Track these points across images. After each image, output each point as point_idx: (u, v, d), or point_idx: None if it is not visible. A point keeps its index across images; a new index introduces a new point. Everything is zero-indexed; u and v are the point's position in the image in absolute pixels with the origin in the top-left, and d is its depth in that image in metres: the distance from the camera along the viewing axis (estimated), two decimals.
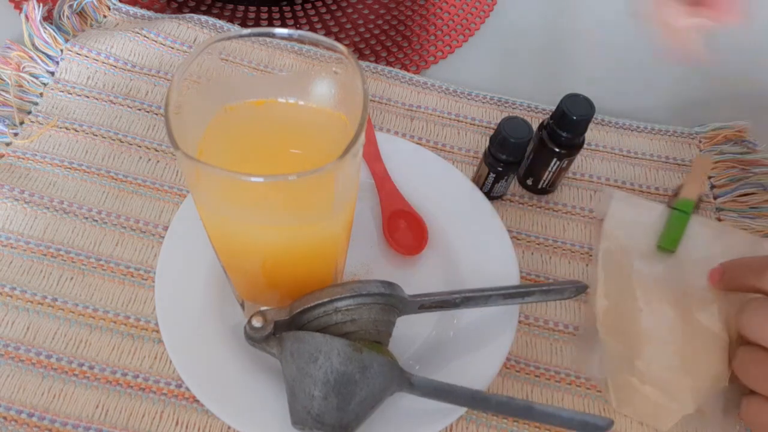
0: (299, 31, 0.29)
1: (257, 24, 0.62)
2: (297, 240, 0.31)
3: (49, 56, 0.54)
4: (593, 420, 0.35)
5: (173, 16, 0.59)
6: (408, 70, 0.60)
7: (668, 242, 0.47)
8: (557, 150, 0.47)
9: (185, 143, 0.25)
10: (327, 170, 0.25)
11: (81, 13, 0.58)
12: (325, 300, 0.34)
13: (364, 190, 0.49)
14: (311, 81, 0.32)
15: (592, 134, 0.56)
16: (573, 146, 0.48)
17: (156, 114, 0.52)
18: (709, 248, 0.47)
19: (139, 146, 0.50)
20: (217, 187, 0.28)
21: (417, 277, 0.45)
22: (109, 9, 0.60)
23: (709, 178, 0.55)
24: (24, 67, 0.52)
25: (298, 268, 0.35)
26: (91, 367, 0.40)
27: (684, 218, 0.48)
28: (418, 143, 0.52)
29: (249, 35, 0.30)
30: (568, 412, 0.35)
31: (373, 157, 0.49)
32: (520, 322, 0.45)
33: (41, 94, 0.52)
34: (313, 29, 0.63)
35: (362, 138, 0.27)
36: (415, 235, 0.46)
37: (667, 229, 0.48)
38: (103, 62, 0.54)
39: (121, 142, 0.50)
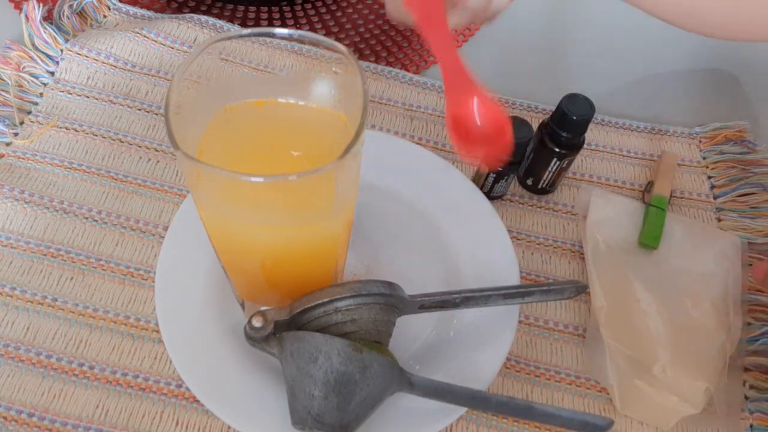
0: (299, 31, 0.29)
1: (257, 24, 0.62)
2: (297, 240, 0.31)
3: (49, 56, 0.54)
4: (593, 420, 0.35)
5: (173, 16, 0.59)
6: (408, 70, 0.60)
7: (650, 239, 0.48)
8: (557, 150, 0.47)
9: (185, 143, 0.25)
10: (327, 170, 0.25)
11: (81, 13, 0.58)
12: (325, 300, 0.34)
13: (364, 190, 0.49)
14: (311, 81, 0.32)
15: (592, 134, 0.56)
16: (573, 146, 0.48)
17: (156, 114, 0.52)
18: (686, 243, 0.48)
19: (139, 146, 0.50)
20: (217, 187, 0.28)
21: (417, 277, 0.45)
22: (109, 9, 0.60)
23: (709, 178, 0.55)
24: (24, 67, 0.52)
25: (298, 268, 0.35)
26: (91, 367, 0.40)
27: (661, 215, 0.49)
28: (418, 143, 0.52)
29: (249, 35, 0.30)
30: (569, 412, 0.35)
31: (439, 33, 0.37)
32: (520, 322, 0.45)
33: (41, 94, 0.52)
34: (313, 29, 0.63)
35: (362, 138, 0.27)
36: (492, 132, 0.35)
37: (646, 226, 0.49)
38: (103, 62, 0.54)
39: (121, 142, 0.50)
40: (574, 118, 0.45)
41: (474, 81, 0.35)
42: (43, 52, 0.53)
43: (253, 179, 0.24)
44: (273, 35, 0.29)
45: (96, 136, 0.50)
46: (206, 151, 0.30)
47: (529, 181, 0.51)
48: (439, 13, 0.37)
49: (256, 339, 0.35)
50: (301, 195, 0.28)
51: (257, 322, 0.34)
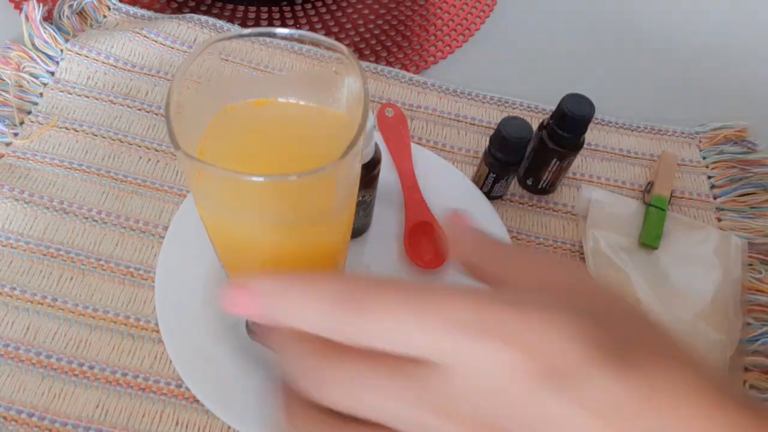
0: (299, 31, 0.29)
1: (257, 24, 0.62)
2: (297, 239, 0.31)
3: (49, 56, 0.53)
4: None
5: (173, 16, 0.59)
6: (408, 70, 0.60)
7: (651, 239, 0.48)
8: (557, 150, 0.47)
9: (186, 143, 0.25)
10: (328, 170, 0.25)
11: (81, 13, 0.58)
12: None
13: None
14: (311, 81, 0.32)
15: (592, 134, 0.56)
16: (573, 146, 0.48)
17: (156, 114, 0.52)
18: (686, 243, 0.48)
19: (139, 146, 0.50)
20: (218, 186, 0.28)
21: (415, 278, 0.45)
22: (109, 9, 0.60)
23: (709, 178, 0.55)
24: (24, 67, 0.52)
25: (298, 268, 0.35)
26: (91, 367, 0.40)
27: (662, 215, 0.49)
28: (417, 143, 0.52)
29: (249, 35, 0.30)
30: None
31: (405, 165, 0.49)
32: None
33: (41, 94, 0.52)
34: (313, 29, 0.63)
35: (363, 138, 0.27)
36: (436, 248, 0.46)
37: (647, 226, 0.49)
38: (103, 62, 0.54)
39: (121, 142, 0.50)
40: (574, 118, 0.45)
41: (427, 208, 0.47)
42: (43, 52, 0.53)
43: (254, 179, 0.24)
44: (273, 35, 0.29)
45: (96, 136, 0.50)
46: (206, 150, 0.30)
47: (529, 181, 0.51)
48: (407, 155, 0.49)
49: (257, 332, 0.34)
50: (301, 194, 0.28)
51: None
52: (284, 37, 0.29)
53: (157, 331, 0.41)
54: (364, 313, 0.19)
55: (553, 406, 0.19)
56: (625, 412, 0.19)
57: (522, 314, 0.19)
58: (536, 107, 0.58)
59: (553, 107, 0.47)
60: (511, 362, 0.18)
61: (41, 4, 0.55)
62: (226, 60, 0.30)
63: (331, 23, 0.64)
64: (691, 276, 0.46)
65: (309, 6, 0.65)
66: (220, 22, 0.59)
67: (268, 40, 0.30)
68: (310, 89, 0.32)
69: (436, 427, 0.20)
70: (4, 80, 0.51)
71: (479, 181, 0.49)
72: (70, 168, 0.48)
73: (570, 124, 0.46)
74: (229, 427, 0.39)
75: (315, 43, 0.29)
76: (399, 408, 0.20)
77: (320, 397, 0.20)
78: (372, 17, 0.65)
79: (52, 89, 0.52)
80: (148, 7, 0.61)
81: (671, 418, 0.19)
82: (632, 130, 0.57)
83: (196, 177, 0.27)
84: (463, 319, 0.19)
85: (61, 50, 0.54)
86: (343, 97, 0.31)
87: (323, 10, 0.65)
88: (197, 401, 0.39)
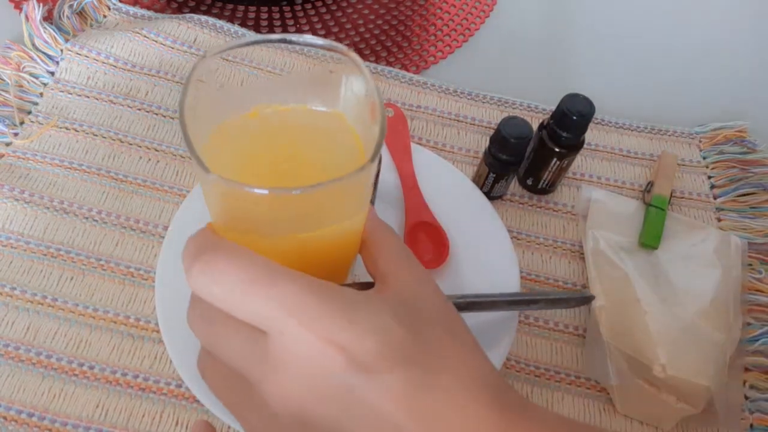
0: (313, 38, 0.29)
1: (257, 24, 0.62)
2: (321, 243, 0.31)
3: (49, 56, 0.53)
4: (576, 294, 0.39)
5: (173, 16, 0.59)
6: (408, 70, 0.60)
7: (651, 239, 0.48)
8: (557, 150, 0.47)
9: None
10: (359, 174, 0.24)
11: (81, 13, 0.58)
12: None
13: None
14: (317, 85, 0.32)
15: (592, 134, 0.56)
16: (573, 146, 0.48)
17: (156, 114, 0.52)
18: (686, 243, 0.48)
19: (139, 146, 0.50)
20: (242, 202, 0.27)
21: None
22: (109, 9, 0.60)
23: (709, 178, 0.55)
24: (24, 67, 0.52)
25: (314, 271, 0.34)
26: (91, 367, 0.40)
27: (662, 215, 0.49)
28: (418, 143, 0.52)
29: (262, 41, 0.29)
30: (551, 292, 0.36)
31: (405, 165, 0.49)
32: (520, 322, 0.45)
33: (41, 94, 0.52)
34: (313, 29, 0.63)
35: (382, 143, 0.26)
36: (435, 247, 0.46)
37: (647, 226, 0.49)
38: (103, 62, 0.54)
39: (121, 142, 0.50)
40: (574, 118, 0.45)
41: (427, 208, 0.48)
42: (43, 52, 0.53)
43: (289, 192, 0.23)
44: (290, 41, 0.29)
45: (96, 136, 0.50)
46: (211, 157, 0.29)
47: (529, 181, 0.51)
48: (407, 156, 0.50)
49: None
50: (330, 200, 0.27)
51: None
52: (298, 43, 0.28)
53: (157, 331, 0.41)
54: (194, 269, 0.23)
55: (354, 392, 0.22)
56: (405, 404, 0.22)
57: (345, 314, 0.22)
58: (536, 107, 0.58)
59: (553, 107, 0.47)
60: (323, 354, 0.22)
61: (41, 4, 0.55)
62: (230, 61, 0.30)
63: (331, 23, 0.64)
64: (691, 276, 0.46)
65: (309, 6, 0.65)
66: (220, 22, 0.59)
67: (275, 44, 0.29)
68: (317, 94, 0.32)
69: (258, 382, 0.23)
70: (4, 80, 0.51)
71: (479, 181, 0.49)
72: (70, 168, 0.48)
73: (570, 124, 0.46)
74: (229, 427, 0.39)
75: (330, 49, 0.29)
76: (238, 359, 0.24)
77: (194, 333, 0.26)
78: (372, 17, 0.65)
79: (52, 89, 0.52)
80: (148, 7, 0.61)
81: (443, 414, 0.23)
82: (632, 130, 0.58)
83: (219, 195, 0.27)
84: (297, 303, 0.22)
85: (61, 50, 0.54)
86: (344, 98, 0.31)
87: (323, 10, 0.65)
88: (197, 401, 0.39)
